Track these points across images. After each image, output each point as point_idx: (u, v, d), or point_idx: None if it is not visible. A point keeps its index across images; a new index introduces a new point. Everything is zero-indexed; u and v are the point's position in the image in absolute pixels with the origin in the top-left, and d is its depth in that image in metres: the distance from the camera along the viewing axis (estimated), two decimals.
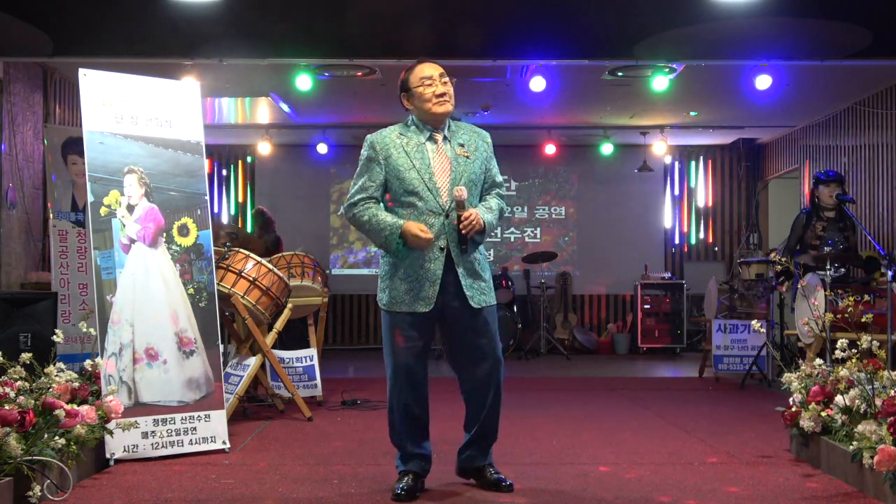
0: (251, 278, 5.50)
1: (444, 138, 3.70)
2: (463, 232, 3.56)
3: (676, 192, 12.11)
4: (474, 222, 3.56)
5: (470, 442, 3.80)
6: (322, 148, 11.04)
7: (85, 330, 4.25)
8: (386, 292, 3.67)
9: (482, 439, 3.80)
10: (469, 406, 3.79)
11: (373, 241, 3.72)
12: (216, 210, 11.61)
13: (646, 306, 11.26)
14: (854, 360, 4.10)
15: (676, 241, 12.08)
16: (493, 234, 3.89)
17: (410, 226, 3.54)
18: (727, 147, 11.93)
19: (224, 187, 11.89)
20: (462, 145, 3.70)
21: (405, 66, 3.81)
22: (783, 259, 5.91)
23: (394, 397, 3.70)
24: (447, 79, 3.70)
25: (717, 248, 12.06)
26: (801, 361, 5.03)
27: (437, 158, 3.65)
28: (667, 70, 7.63)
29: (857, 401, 4.06)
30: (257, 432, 5.22)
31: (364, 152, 3.70)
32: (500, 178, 3.87)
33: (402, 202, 3.63)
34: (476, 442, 3.79)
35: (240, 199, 11.90)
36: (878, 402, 3.88)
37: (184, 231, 4.77)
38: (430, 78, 3.66)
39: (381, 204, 3.70)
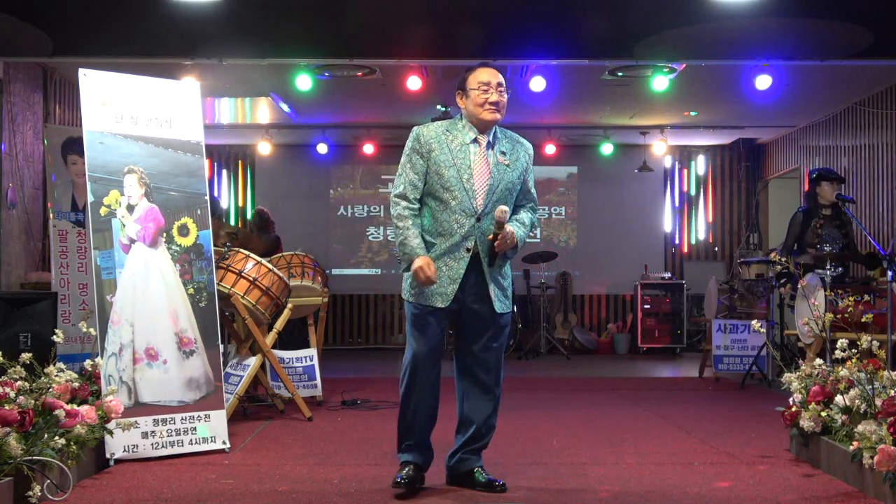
0: (251, 278, 5.51)
1: (488, 143, 3.76)
2: (497, 250, 3.65)
3: (676, 192, 12.11)
4: (509, 241, 3.65)
5: (465, 443, 3.81)
6: (322, 148, 11.04)
7: (85, 330, 4.26)
8: (408, 281, 3.76)
9: (479, 440, 3.82)
10: (467, 407, 3.81)
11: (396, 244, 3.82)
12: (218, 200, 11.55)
13: (646, 306, 11.26)
14: (854, 360, 4.10)
15: (676, 241, 12.08)
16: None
17: (422, 266, 3.60)
18: (727, 147, 11.93)
19: (224, 187, 11.89)
20: (504, 153, 3.76)
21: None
22: (783, 259, 5.91)
23: (410, 386, 3.74)
24: (504, 89, 3.78)
25: (717, 248, 12.06)
26: (801, 361, 5.03)
27: (478, 161, 3.72)
28: (667, 70, 7.63)
29: (857, 401, 4.07)
30: (257, 432, 5.22)
31: (409, 143, 3.77)
32: (534, 191, 3.92)
33: (436, 197, 3.69)
34: (472, 442, 3.81)
35: (240, 199, 11.90)
36: (878, 402, 3.88)
37: (184, 231, 4.77)
38: (487, 84, 3.73)
39: (420, 210, 3.75)
